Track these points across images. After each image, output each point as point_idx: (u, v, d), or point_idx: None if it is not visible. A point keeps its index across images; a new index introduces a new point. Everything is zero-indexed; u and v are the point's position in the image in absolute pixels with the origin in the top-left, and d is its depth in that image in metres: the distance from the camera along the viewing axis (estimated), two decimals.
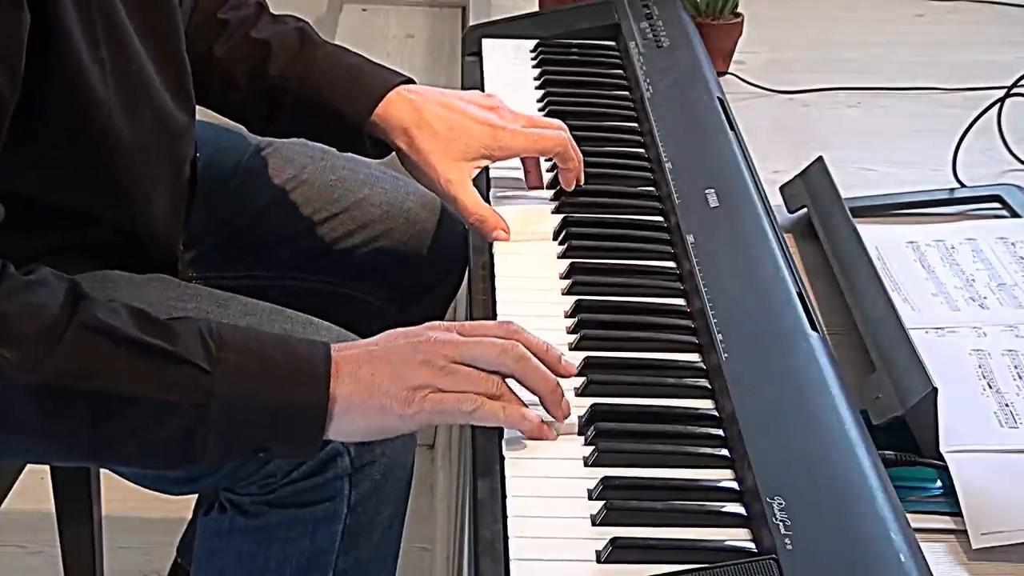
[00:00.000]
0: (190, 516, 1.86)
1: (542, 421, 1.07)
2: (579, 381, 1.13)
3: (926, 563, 0.93)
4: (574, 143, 1.38)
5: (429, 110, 1.36)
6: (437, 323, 1.12)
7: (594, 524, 0.98)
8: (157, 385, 1.05)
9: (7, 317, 1.03)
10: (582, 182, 1.39)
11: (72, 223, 1.27)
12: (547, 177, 1.43)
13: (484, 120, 1.36)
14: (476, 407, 1.06)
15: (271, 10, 1.49)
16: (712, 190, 1.35)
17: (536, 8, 1.95)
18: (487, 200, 1.38)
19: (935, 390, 1.11)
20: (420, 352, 1.08)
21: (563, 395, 1.08)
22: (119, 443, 1.09)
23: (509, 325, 1.11)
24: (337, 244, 1.54)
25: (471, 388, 1.06)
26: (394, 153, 1.41)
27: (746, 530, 0.99)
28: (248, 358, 1.07)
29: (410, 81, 1.41)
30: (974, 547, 1.05)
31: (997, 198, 1.55)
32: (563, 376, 1.10)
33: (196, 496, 1.74)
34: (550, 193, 1.41)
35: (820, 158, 1.50)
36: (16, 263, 1.10)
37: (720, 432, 1.07)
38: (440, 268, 1.57)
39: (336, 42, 1.50)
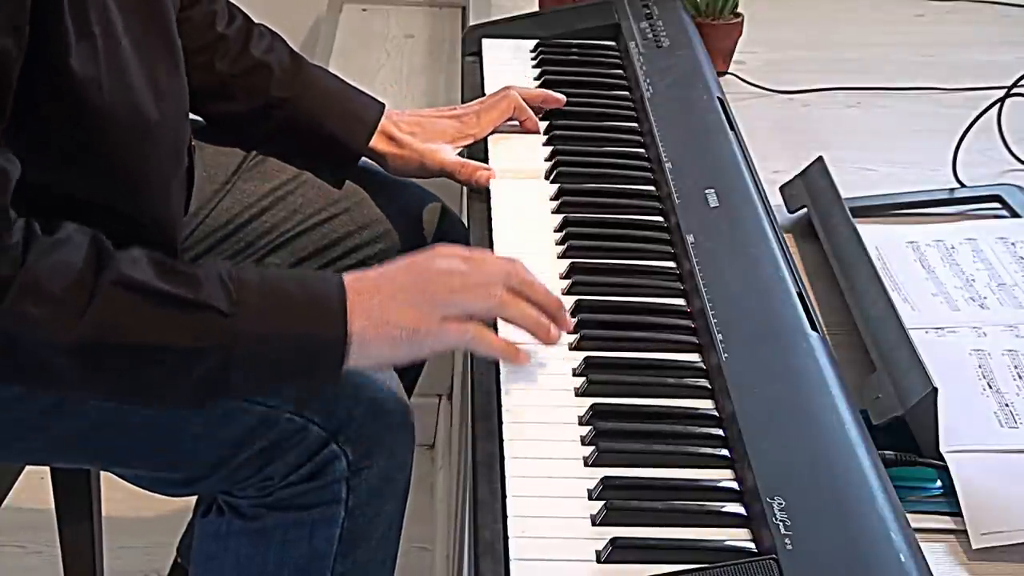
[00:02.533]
0: (190, 516, 1.85)
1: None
2: (579, 381, 1.13)
3: (926, 563, 0.93)
4: (523, 101, 1.52)
5: (403, 117, 1.52)
6: (443, 248, 1.18)
7: (594, 524, 0.98)
8: (184, 333, 1.10)
9: (39, 280, 1.07)
10: (560, 103, 1.54)
11: (71, 212, 1.27)
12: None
13: (449, 115, 1.52)
14: (474, 337, 1.13)
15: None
16: (712, 190, 1.35)
17: (536, 8, 1.95)
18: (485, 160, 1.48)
19: (935, 390, 1.11)
20: (428, 284, 1.14)
21: (564, 308, 1.16)
22: (154, 388, 1.13)
23: (513, 260, 1.18)
24: (338, 244, 1.54)
25: (473, 308, 1.13)
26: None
27: (746, 530, 0.99)
28: (267, 299, 1.12)
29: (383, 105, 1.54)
30: (974, 547, 1.05)
31: (997, 198, 1.55)
32: (562, 325, 1.17)
33: (196, 496, 1.74)
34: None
35: (820, 158, 1.50)
36: None
37: (720, 432, 1.07)
38: None
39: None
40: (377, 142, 1.50)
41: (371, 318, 1.12)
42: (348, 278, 1.14)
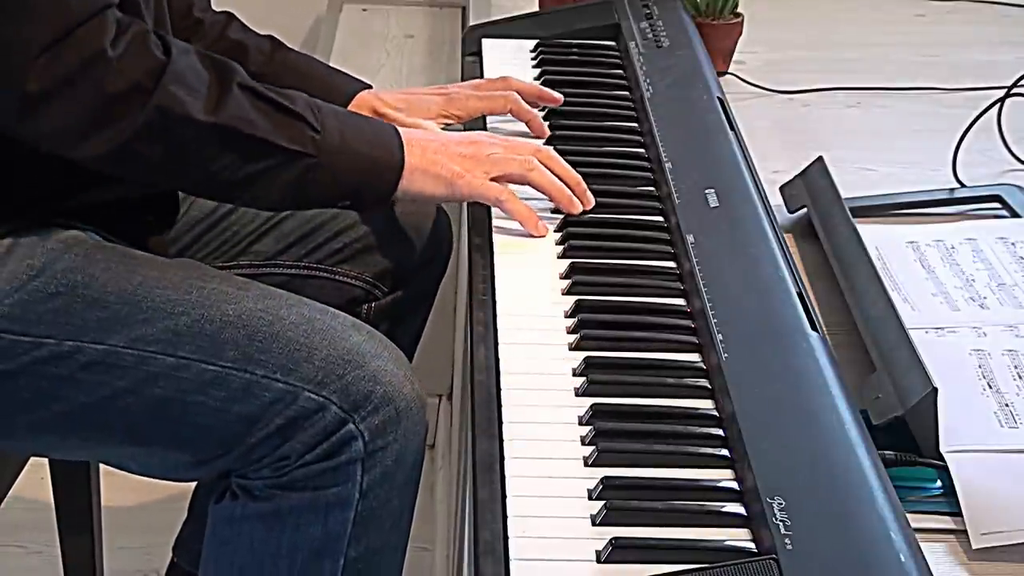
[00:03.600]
0: (186, 517, 1.85)
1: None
2: (579, 381, 1.13)
3: (926, 563, 0.93)
4: (523, 104, 1.53)
5: (388, 94, 1.56)
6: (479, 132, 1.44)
7: (594, 524, 0.98)
8: (285, 135, 1.28)
9: (183, 72, 1.25)
10: (557, 102, 1.56)
11: (81, 180, 1.32)
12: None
13: (437, 91, 1.56)
14: (506, 199, 1.33)
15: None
16: (712, 190, 1.35)
17: (536, 8, 1.95)
18: None
19: (935, 390, 1.11)
20: (472, 142, 1.37)
21: (586, 187, 1.37)
22: (255, 180, 1.29)
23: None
24: (322, 228, 1.55)
25: (510, 169, 1.34)
26: None
27: (746, 530, 0.99)
28: (343, 122, 1.32)
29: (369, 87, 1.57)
30: (974, 547, 1.05)
31: (997, 198, 1.55)
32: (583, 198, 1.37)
33: (192, 493, 1.74)
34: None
35: (820, 158, 1.50)
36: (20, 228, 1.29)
37: (720, 432, 1.07)
38: (426, 251, 1.58)
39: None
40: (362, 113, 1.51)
41: (425, 156, 1.33)
42: (399, 129, 1.36)
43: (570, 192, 1.35)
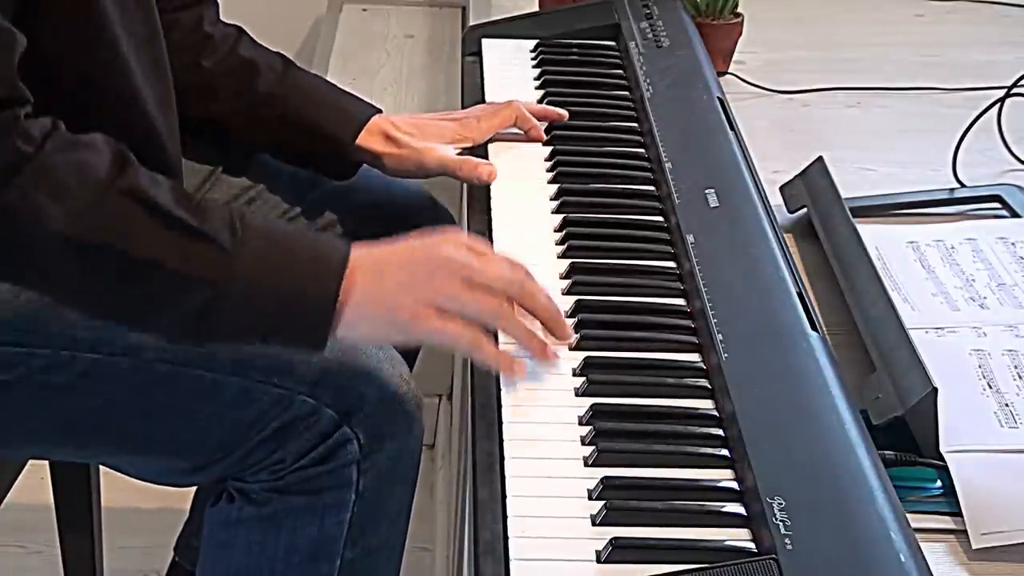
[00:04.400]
0: (187, 516, 1.85)
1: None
2: (579, 381, 1.13)
3: (926, 563, 0.94)
4: (526, 111, 1.51)
5: (400, 118, 1.50)
6: (452, 234, 1.18)
7: (594, 524, 0.98)
8: (176, 256, 1.10)
9: (54, 169, 1.08)
10: (561, 118, 1.52)
11: None
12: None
13: (448, 117, 1.51)
14: (471, 343, 1.12)
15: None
16: (712, 190, 1.35)
17: (536, 8, 1.95)
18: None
19: (935, 390, 1.11)
20: (435, 269, 1.13)
21: (563, 317, 1.17)
22: (138, 307, 1.13)
23: (517, 265, 1.17)
24: (324, 232, 1.54)
25: (472, 311, 1.12)
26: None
27: (746, 530, 0.99)
28: (271, 246, 1.12)
29: (380, 111, 1.53)
30: (974, 547, 1.05)
31: (997, 198, 1.55)
32: (560, 336, 1.17)
33: (193, 493, 1.74)
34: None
35: (820, 158, 1.50)
36: None
37: (720, 432, 1.07)
38: None
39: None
40: (374, 142, 1.48)
41: (368, 294, 1.12)
42: (355, 252, 1.14)
43: (540, 340, 1.15)
